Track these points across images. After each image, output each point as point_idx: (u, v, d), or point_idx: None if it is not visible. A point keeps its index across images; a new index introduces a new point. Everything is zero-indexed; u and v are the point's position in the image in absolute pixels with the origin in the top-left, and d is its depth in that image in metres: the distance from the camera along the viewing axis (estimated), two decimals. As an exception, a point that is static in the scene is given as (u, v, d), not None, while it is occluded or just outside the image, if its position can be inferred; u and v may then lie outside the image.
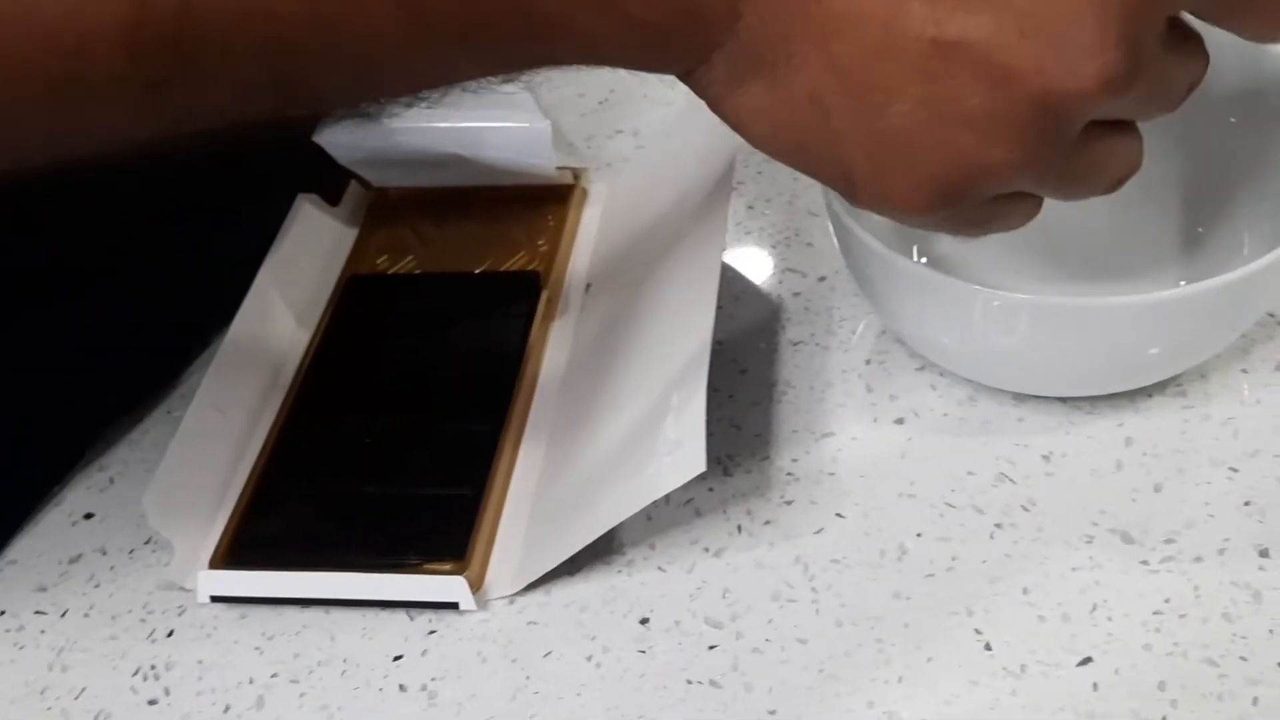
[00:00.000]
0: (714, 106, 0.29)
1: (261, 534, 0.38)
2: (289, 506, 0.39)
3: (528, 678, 0.34)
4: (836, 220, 0.36)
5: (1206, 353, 0.36)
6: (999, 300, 0.33)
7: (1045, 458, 0.36)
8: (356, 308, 0.45)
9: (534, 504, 0.37)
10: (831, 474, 0.37)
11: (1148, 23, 0.25)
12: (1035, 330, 0.34)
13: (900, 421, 0.38)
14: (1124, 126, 0.28)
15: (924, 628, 0.33)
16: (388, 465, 0.39)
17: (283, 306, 0.44)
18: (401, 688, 0.34)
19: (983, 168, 0.26)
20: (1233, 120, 0.39)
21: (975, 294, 0.34)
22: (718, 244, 0.37)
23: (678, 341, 0.35)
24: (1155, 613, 0.32)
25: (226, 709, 0.35)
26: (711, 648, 0.34)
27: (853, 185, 0.28)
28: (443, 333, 0.44)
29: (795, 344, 0.41)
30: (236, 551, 0.38)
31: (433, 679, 0.34)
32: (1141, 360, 0.35)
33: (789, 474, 0.38)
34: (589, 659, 0.34)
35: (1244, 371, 0.37)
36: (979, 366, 0.37)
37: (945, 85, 0.25)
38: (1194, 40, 0.28)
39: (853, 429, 0.38)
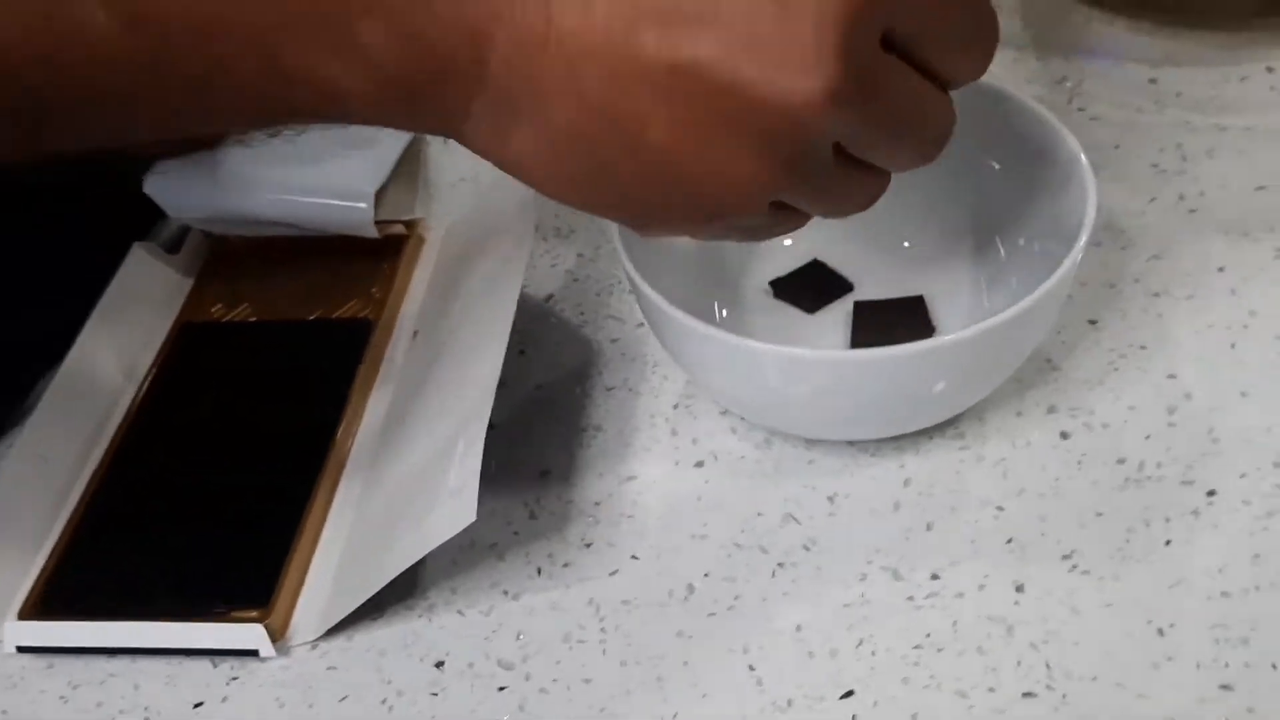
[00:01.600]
0: (493, 160, 0.30)
1: (72, 584, 0.38)
2: (101, 556, 0.39)
3: (322, 722, 0.35)
4: (631, 281, 0.38)
5: (976, 396, 0.38)
6: (774, 355, 0.35)
7: (830, 499, 0.38)
8: (187, 356, 0.46)
9: (342, 548, 0.38)
10: (631, 516, 0.39)
11: (864, 38, 0.27)
12: (814, 381, 0.36)
13: (700, 464, 0.40)
14: (874, 169, 0.31)
15: (702, 665, 0.34)
16: (202, 515, 0.40)
17: (111, 354, 0.45)
18: (200, 734, 0.35)
19: (740, 181, 0.28)
20: (996, 166, 0.42)
21: (755, 351, 0.35)
22: (511, 294, 0.38)
23: (467, 387, 0.36)
24: (915, 647, 0.34)
25: (27, 759, 0.35)
26: (501, 689, 0.35)
27: (634, 214, 0.30)
28: (270, 381, 0.45)
29: (609, 389, 0.43)
30: (46, 601, 0.38)
31: (230, 724, 0.35)
32: (915, 405, 0.37)
33: (591, 517, 0.39)
34: (383, 702, 0.35)
35: (1018, 415, 0.40)
36: (767, 416, 0.39)
37: (689, 106, 0.26)
38: (934, 86, 0.29)
39: (655, 472, 0.40)
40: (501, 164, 0.30)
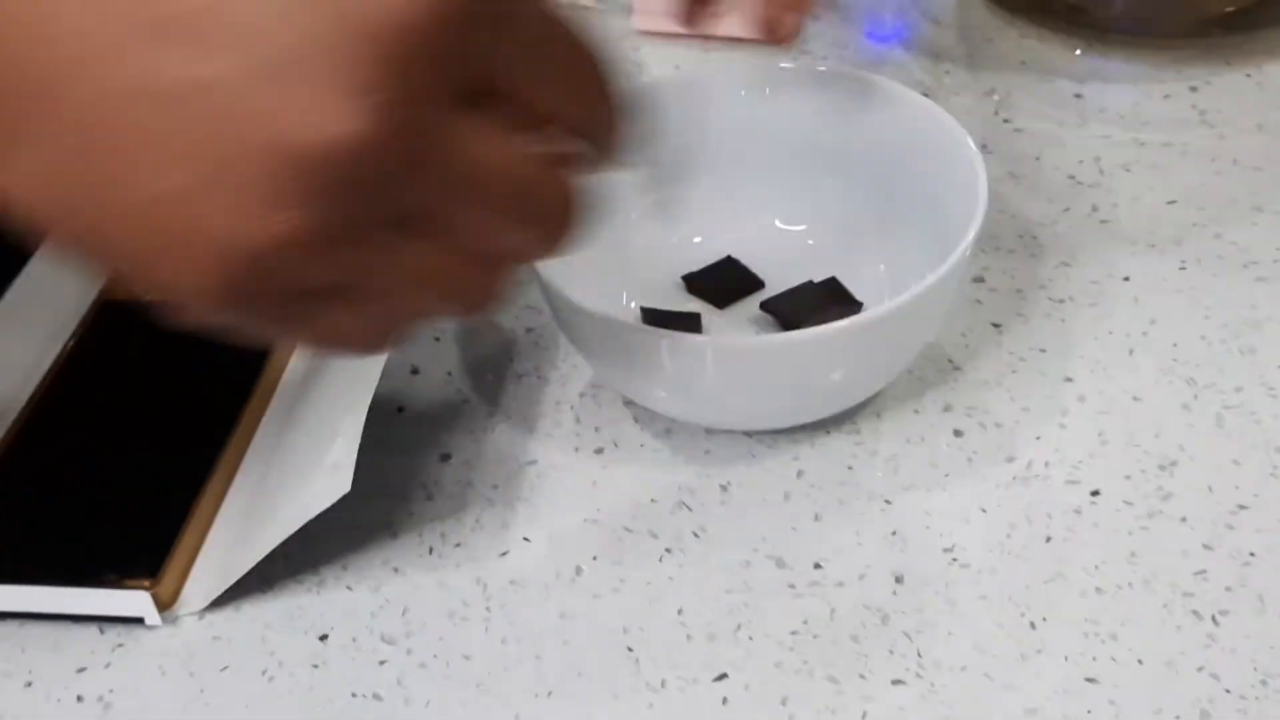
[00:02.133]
0: (3, 199, 0.23)
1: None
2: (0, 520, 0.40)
3: (201, 690, 0.35)
4: (534, 270, 0.38)
5: (869, 387, 0.39)
6: (667, 340, 0.36)
7: (723, 487, 0.39)
8: (105, 332, 0.46)
9: (229, 520, 0.38)
10: (526, 500, 0.39)
11: (416, 72, 0.22)
12: (706, 370, 0.36)
13: (599, 451, 0.40)
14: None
15: (581, 645, 0.35)
16: (101, 485, 0.40)
17: (28, 327, 0.45)
18: (79, 699, 0.35)
19: (246, 244, 0.22)
20: (902, 163, 0.43)
21: (649, 335, 0.36)
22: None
23: (357, 367, 0.37)
24: (792, 633, 0.34)
25: (-95, 719, 0.35)
26: (382, 663, 0.35)
27: (144, 275, 0.23)
28: (185, 357, 0.45)
29: (520, 376, 0.43)
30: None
31: (110, 690, 0.35)
32: (806, 396, 0.38)
33: (488, 499, 0.39)
34: (264, 673, 0.35)
35: (915, 412, 0.40)
36: (665, 405, 0.40)
37: (196, 139, 0.21)
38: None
39: (555, 458, 0.40)
40: (7, 201, 0.23)
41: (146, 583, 0.37)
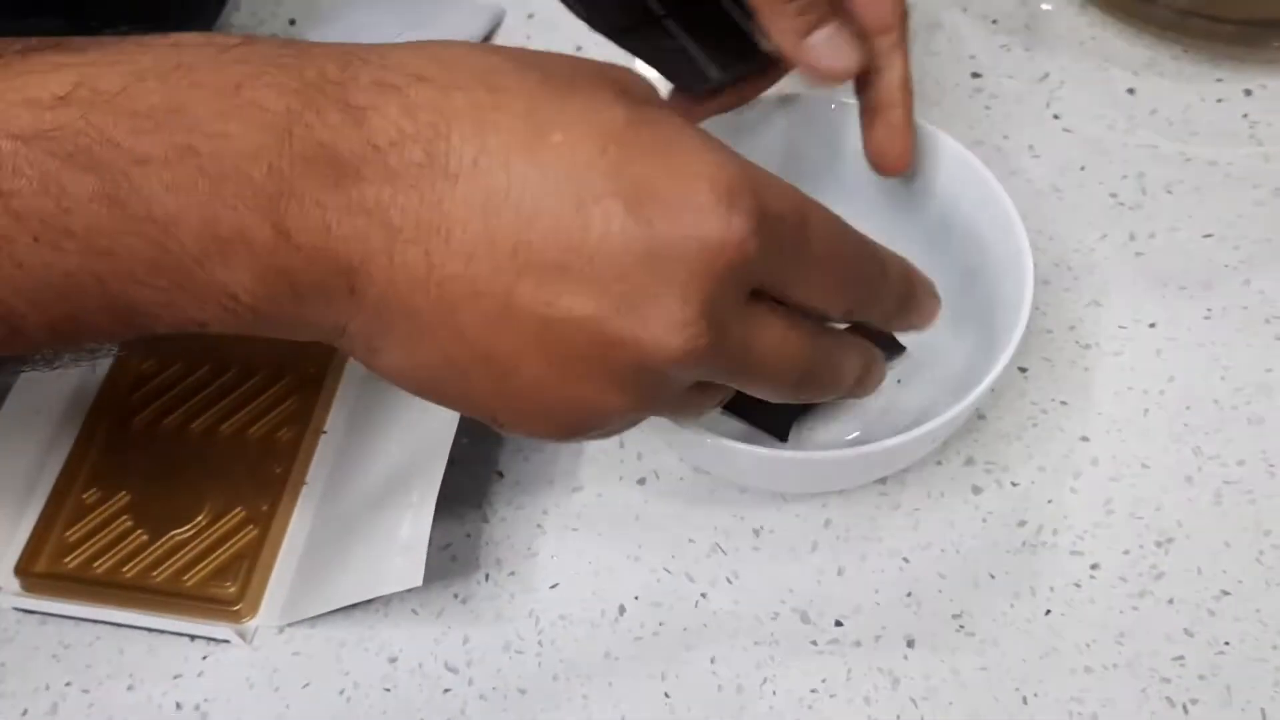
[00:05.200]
0: (365, 365, 0.30)
1: (64, 546, 0.42)
2: (88, 516, 0.43)
3: (287, 706, 0.39)
4: None
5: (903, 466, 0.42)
6: (734, 452, 0.37)
7: (756, 532, 0.42)
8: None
9: (305, 548, 0.42)
10: (574, 529, 0.42)
11: (726, 300, 0.28)
12: (751, 470, 0.39)
13: (642, 482, 0.43)
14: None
15: (624, 687, 0.39)
16: (182, 490, 0.43)
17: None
18: (178, 706, 0.40)
19: (603, 412, 0.29)
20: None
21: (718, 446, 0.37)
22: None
23: (430, 417, 0.39)
24: (811, 690, 0.39)
25: (24, 713, 0.40)
26: (446, 691, 0.39)
27: (500, 426, 0.31)
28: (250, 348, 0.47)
29: (566, 388, 0.46)
30: (42, 558, 0.42)
31: (205, 700, 0.40)
32: (844, 483, 0.41)
33: (539, 525, 0.43)
34: (341, 693, 0.40)
35: (938, 464, 0.43)
36: (707, 468, 0.42)
37: (560, 352, 0.28)
38: (803, 329, 0.31)
39: (600, 485, 0.43)
40: (373, 370, 0.30)
41: (229, 611, 0.41)
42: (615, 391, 0.29)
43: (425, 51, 0.28)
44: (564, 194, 0.27)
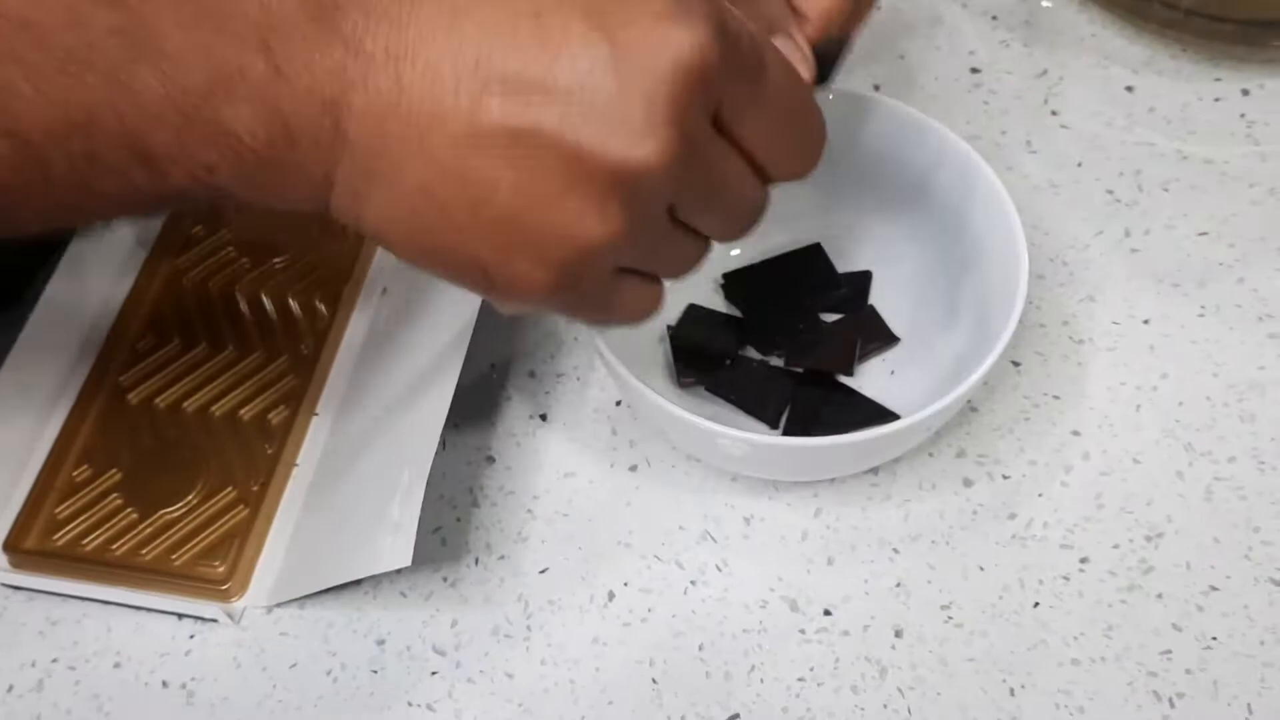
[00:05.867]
0: (358, 229, 0.31)
1: (54, 523, 0.42)
2: (80, 492, 0.43)
3: (274, 686, 0.39)
4: (601, 356, 0.39)
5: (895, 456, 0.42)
6: (725, 438, 0.38)
7: (746, 520, 0.42)
8: (164, 288, 0.48)
9: (295, 529, 0.42)
10: (565, 515, 0.42)
11: (693, 113, 0.29)
12: (743, 457, 0.39)
13: (633, 469, 0.43)
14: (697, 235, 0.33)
15: (612, 673, 0.39)
16: (175, 466, 0.43)
17: (90, 282, 0.47)
18: (164, 684, 0.40)
19: (585, 240, 0.29)
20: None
21: (710, 432, 0.38)
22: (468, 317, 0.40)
23: (423, 401, 0.39)
24: (799, 679, 0.39)
25: (10, 689, 0.40)
26: (433, 674, 0.39)
27: (488, 278, 0.31)
28: (248, 317, 0.47)
29: (560, 376, 0.46)
30: (31, 535, 0.42)
31: (192, 678, 0.40)
32: (836, 471, 0.41)
33: (529, 510, 0.43)
34: (328, 674, 0.40)
35: (930, 455, 0.43)
36: (696, 455, 0.42)
37: (532, 168, 0.28)
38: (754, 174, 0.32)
39: (592, 471, 0.43)
40: (363, 229, 0.31)
41: (217, 590, 0.40)
42: (593, 212, 0.29)
43: None
44: (523, 7, 0.28)
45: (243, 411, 0.44)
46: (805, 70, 0.36)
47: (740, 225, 0.34)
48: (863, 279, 0.46)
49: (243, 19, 0.28)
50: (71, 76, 0.27)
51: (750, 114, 0.31)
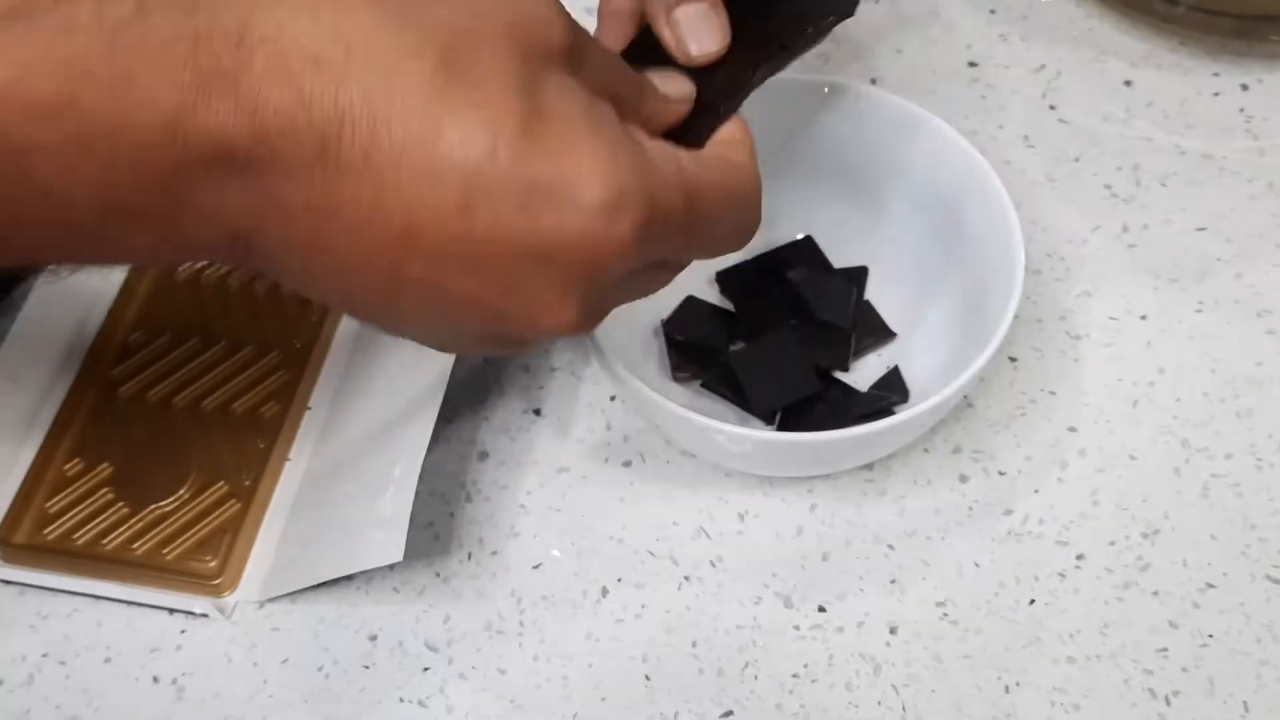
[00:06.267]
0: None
1: (47, 532, 0.42)
2: (71, 486, 0.42)
3: (265, 681, 0.39)
4: (595, 350, 0.39)
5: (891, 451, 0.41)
6: (720, 433, 0.38)
7: (740, 516, 0.42)
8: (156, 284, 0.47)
9: (287, 524, 0.41)
10: (558, 510, 0.42)
11: (602, 290, 0.30)
12: (737, 453, 0.39)
13: (628, 464, 0.43)
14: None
15: (604, 669, 0.39)
16: (166, 460, 0.43)
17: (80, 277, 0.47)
18: (155, 679, 0.39)
19: (504, 352, 0.34)
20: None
21: (704, 427, 0.38)
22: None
23: (415, 396, 0.39)
24: (793, 675, 0.39)
25: (0, 683, 0.39)
26: (426, 669, 0.39)
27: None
28: (238, 314, 0.47)
29: (554, 370, 0.45)
30: (22, 529, 0.42)
31: (183, 674, 0.39)
32: (831, 467, 0.41)
33: (522, 505, 0.42)
34: (320, 669, 0.39)
35: (925, 451, 0.43)
36: (692, 451, 0.42)
37: (452, 322, 0.30)
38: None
39: (586, 466, 0.43)
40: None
41: (208, 585, 0.40)
42: (511, 347, 0.33)
43: (322, 24, 0.27)
44: (451, 194, 0.27)
45: (235, 406, 0.44)
46: (721, 36, 0.36)
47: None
48: (859, 274, 0.46)
49: (142, 169, 0.27)
50: None
51: (679, 251, 0.33)
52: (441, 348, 0.35)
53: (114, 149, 0.26)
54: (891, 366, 0.43)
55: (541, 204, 0.28)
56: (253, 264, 0.30)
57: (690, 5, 0.35)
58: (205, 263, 0.47)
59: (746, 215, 0.34)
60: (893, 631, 0.39)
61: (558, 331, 0.30)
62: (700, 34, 0.36)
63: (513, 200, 0.28)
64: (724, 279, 0.46)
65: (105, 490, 0.42)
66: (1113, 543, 0.40)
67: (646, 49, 0.37)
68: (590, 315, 0.31)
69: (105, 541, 0.41)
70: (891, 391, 0.42)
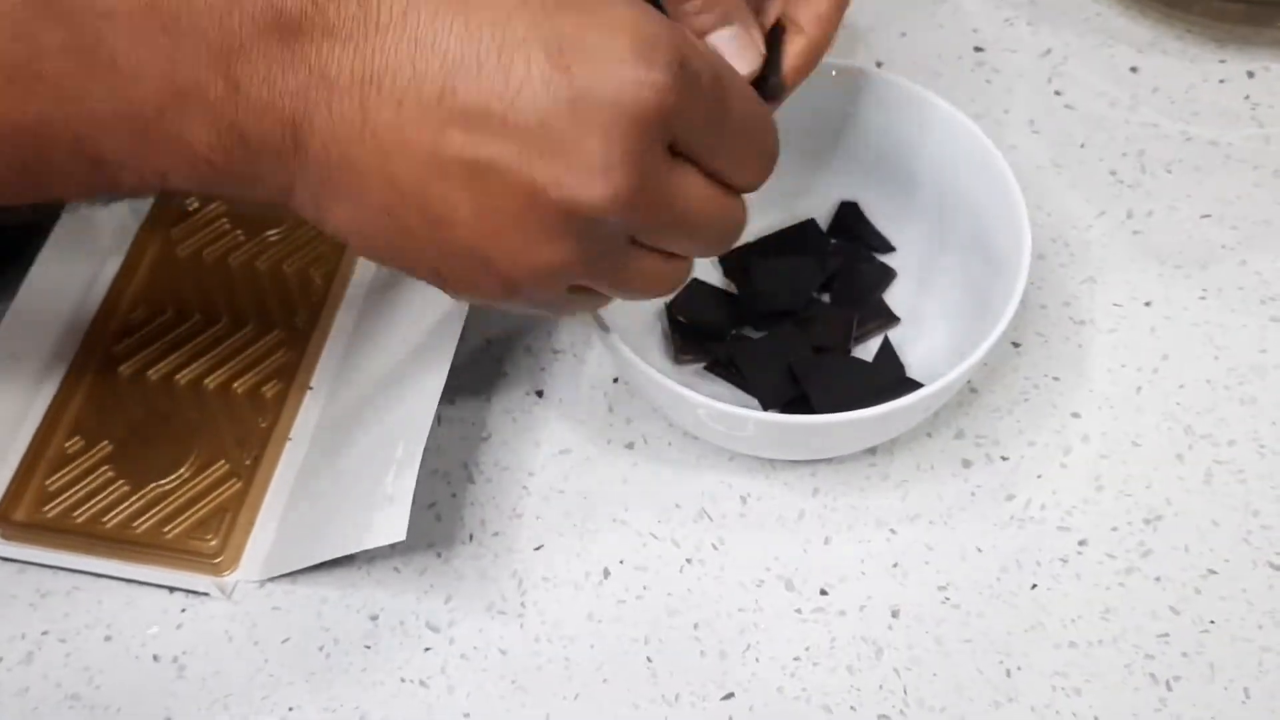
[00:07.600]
0: (316, 226, 0.32)
1: (47, 509, 0.41)
2: (69, 466, 0.42)
3: (266, 660, 0.39)
4: (598, 331, 0.39)
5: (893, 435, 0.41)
6: (719, 412, 0.38)
7: (743, 498, 0.42)
8: (156, 261, 0.47)
9: (288, 503, 0.41)
10: (560, 491, 0.42)
11: (650, 148, 0.29)
12: (741, 435, 0.39)
13: (630, 446, 0.43)
14: (671, 255, 0.33)
15: (607, 651, 0.39)
16: (167, 438, 0.43)
17: (79, 255, 0.46)
18: (155, 658, 0.39)
19: (538, 267, 0.30)
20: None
21: (699, 405, 0.38)
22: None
23: (418, 375, 0.39)
24: (795, 658, 0.39)
25: None
26: (427, 650, 0.39)
27: (442, 280, 0.32)
28: (242, 287, 0.46)
29: (557, 352, 0.45)
30: (21, 506, 0.41)
31: (183, 652, 0.39)
32: (835, 451, 0.41)
33: (524, 486, 0.42)
34: (320, 649, 0.39)
35: (928, 435, 0.43)
36: (695, 432, 0.42)
37: (489, 199, 0.29)
38: (719, 189, 0.32)
39: (588, 448, 0.43)
40: (323, 229, 0.32)
41: (209, 564, 0.40)
42: (546, 242, 0.30)
43: None
44: (487, 43, 0.28)
45: (236, 384, 0.44)
46: (755, 58, 0.35)
47: (716, 243, 0.34)
48: (884, 273, 0.45)
49: (202, 38, 0.28)
50: (19, 85, 0.29)
51: (709, 142, 0.31)
52: (473, 281, 0.32)
53: (179, 19, 0.28)
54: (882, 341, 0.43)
55: (574, 52, 0.28)
56: (301, 174, 0.29)
57: (724, 30, 0.35)
58: (224, 225, 0.47)
59: (766, 140, 0.33)
60: (895, 615, 0.39)
61: (608, 193, 0.29)
62: (734, 60, 0.35)
63: (545, 51, 0.28)
64: (728, 261, 0.46)
65: (105, 468, 0.42)
66: (1115, 528, 0.40)
67: None
68: (636, 171, 0.29)
69: (105, 519, 0.41)
70: (873, 317, 0.43)
